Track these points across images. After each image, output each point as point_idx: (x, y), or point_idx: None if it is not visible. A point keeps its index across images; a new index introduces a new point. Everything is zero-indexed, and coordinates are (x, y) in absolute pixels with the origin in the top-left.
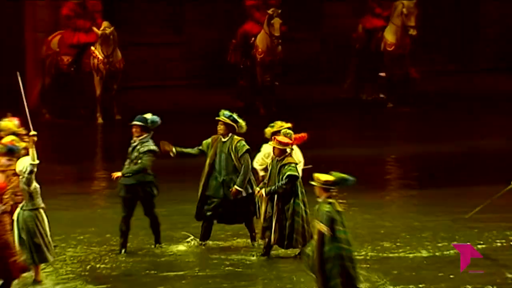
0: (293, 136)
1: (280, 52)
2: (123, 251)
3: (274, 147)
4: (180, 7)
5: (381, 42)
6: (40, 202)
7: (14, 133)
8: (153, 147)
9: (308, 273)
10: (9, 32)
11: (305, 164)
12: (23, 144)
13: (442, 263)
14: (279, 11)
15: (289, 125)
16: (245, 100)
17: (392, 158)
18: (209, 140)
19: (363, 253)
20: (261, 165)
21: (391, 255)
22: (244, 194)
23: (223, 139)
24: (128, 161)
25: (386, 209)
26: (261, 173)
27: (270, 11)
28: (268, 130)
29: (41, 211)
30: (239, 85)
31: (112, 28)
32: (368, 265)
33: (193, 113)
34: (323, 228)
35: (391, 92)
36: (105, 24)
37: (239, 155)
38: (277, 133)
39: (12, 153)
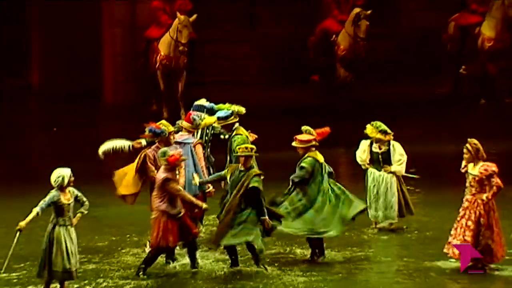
0: (314, 132)
1: (362, 50)
2: None
3: (297, 147)
4: (254, 3)
5: (477, 39)
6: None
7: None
8: None
9: None
10: (87, 29)
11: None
12: (171, 128)
13: None
14: (367, 12)
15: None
16: (321, 97)
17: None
18: None
19: None
20: (361, 161)
21: None
22: None
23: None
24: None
25: None
26: (363, 167)
27: (357, 11)
28: (369, 128)
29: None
30: (314, 82)
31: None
32: None
33: (266, 109)
34: None
35: (485, 88)
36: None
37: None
38: (381, 133)
39: (155, 134)
